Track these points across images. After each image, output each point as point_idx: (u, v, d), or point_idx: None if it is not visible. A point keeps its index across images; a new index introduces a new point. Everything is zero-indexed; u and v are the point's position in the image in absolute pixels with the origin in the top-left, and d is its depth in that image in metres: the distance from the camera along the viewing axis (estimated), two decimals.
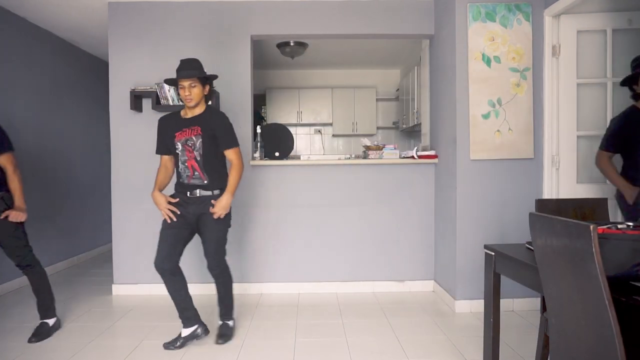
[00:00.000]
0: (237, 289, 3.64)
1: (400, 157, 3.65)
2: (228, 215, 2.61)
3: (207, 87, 2.59)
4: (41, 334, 2.72)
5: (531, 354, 2.40)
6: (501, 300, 2.16)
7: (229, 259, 3.67)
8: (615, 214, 2.93)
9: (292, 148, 3.82)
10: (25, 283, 3.93)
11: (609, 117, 3.04)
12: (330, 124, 6.85)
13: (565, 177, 3.07)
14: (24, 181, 3.96)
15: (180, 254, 2.59)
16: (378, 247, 3.72)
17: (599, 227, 1.41)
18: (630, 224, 1.94)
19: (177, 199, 2.57)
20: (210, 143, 2.54)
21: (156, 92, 3.50)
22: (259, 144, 3.64)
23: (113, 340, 2.74)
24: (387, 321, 3.00)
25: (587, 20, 3.02)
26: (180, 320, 2.64)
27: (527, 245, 1.93)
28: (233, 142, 2.60)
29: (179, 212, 2.54)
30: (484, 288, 2.09)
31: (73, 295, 3.64)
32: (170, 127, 2.59)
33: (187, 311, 2.62)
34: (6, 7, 3.75)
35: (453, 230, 3.23)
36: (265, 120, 6.70)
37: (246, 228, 3.68)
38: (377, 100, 6.82)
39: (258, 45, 5.06)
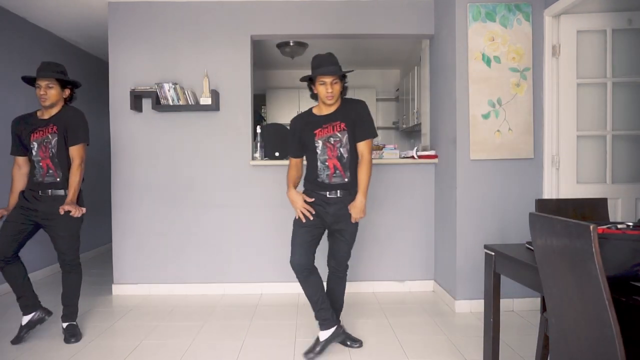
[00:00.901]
0: (237, 289, 3.66)
1: (400, 157, 3.65)
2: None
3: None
4: (77, 333, 2.72)
5: (531, 354, 2.40)
6: (501, 300, 2.16)
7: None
8: (615, 214, 2.94)
9: None
10: None
11: (609, 117, 3.05)
12: None
13: (565, 177, 3.07)
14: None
15: (314, 252, 2.50)
16: (378, 247, 3.72)
17: (599, 227, 1.41)
18: (630, 223, 1.94)
19: (313, 199, 2.45)
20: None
21: (156, 92, 3.50)
22: (259, 144, 3.65)
23: (113, 340, 2.74)
24: (387, 321, 3.00)
25: (587, 20, 3.02)
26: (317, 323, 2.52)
27: (527, 245, 1.93)
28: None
29: (314, 212, 2.42)
30: (484, 288, 2.09)
31: None
32: (308, 127, 2.46)
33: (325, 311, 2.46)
34: (6, 7, 3.75)
35: (453, 230, 3.23)
36: (265, 120, 6.69)
37: (246, 228, 3.68)
38: (377, 100, 6.81)
39: (258, 45, 5.06)
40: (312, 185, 2.47)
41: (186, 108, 3.55)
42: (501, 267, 1.98)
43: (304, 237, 2.43)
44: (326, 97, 2.36)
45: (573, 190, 3.06)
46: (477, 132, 3.11)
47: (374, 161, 3.59)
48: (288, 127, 3.86)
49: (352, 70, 2.46)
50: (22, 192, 2.70)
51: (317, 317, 2.49)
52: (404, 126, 6.19)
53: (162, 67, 3.65)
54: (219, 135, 3.66)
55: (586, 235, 1.14)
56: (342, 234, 2.48)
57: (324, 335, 2.47)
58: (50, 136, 2.63)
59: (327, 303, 2.48)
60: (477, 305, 3.12)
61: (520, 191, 3.16)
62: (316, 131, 2.42)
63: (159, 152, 3.66)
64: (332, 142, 2.40)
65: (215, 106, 3.57)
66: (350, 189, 2.44)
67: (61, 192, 2.67)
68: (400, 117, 6.46)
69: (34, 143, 2.63)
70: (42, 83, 2.58)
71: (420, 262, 3.72)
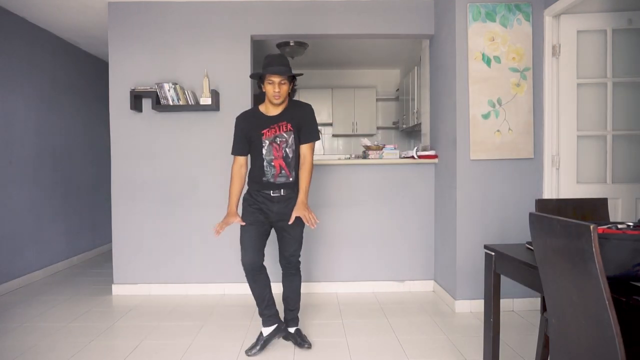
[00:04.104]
0: (237, 289, 3.66)
1: (400, 157, 3.65)
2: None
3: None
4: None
5: (531, 354, 2.40)
6: (501, 300, 2.16)
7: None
8: (615, 214, 2.94)
9: None
10: (25, 283, 3.94)
11: (609, 117, 3.05)
12: (330, 124, 6.85)
13: (565, 177, 3.07)
14: (25, 181, 3.99)
15: (263, 250, 2.61)
16: (378, 247, 3.72)
17: (599, 227, 1.41)
18: (630, 223, 1.94)
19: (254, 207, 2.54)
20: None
21: (156, 92, 3.50)
22: None
23: (113, 340, 2.74)
24: (387, 321, 3.00)
25: (587, 20, 3.02)
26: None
27: (527, 245, 1.93)
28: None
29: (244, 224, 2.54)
30: (484, 288, 2.09)
31: (73, 295, 3.64)
32: (255, 126, 2.50)
33: None
34: (6, 7, 3.75)
35: (453, 230, 3.23)
36: None
37: None
38: (377, 100, 6.82)
39: (258, 45, 5.05)
40: (257, 185, 2.51)
41: (186, 108, 3.55)
42: (501, 267, 1.98)
43: (251, 236, 2.50)
44: (273, 97, 2.40)
45: (573, 190, 3.06)
46: (477, 132, 3.11)
47: (375, 161, 3.60)
48: None
49: (301, 74, 2.52)
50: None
51: (261, 315, 2.57)
52: (404, 126, 6.20)
53: (162, 67, 3.65)
54: (219, 135, 3.65)
55: (586, 235, 1.14)
56: (287, 230, 2.51)
57: (267, 331, 2.56)
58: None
59: (271, 300, 2.59)
60: (477, 305, 3.13)
61: (520, 191, 3.16)
62: (264, 131, 2.46)
63: (159, 152, 3.66)
64: (278, 142, 2.45)
65: (215, 106, 3.57)
66: (293, 188, 2.50)
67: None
68: (400, 117, 6.47)
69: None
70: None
71: (420, 262, 3.72)
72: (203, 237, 3.67)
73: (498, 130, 3.11)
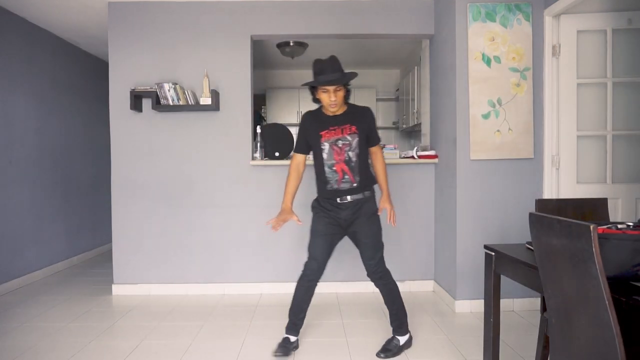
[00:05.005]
0: (237, 289, 3.66)
1: (400, 157, 3.65)
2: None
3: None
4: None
5: (531, 354, 2.40)
6: (501, 300, 2.16)
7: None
8: (615, 214, 2.94)
9: (292, 148, 3.82)
10: (25, 283, 3.94)
11: (609, 117, 3.05)
12: None
13: (565, 177, 3.07)
14: (25, 181, 3.99)
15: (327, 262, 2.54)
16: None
17: (599, 227, 1.41)
18: (630, 223, 1.94)
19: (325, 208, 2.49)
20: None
21: (156, 92, 3.50)
22: (259, 144, 3.65)
23: (113, 340, 2.74)
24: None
25: (587, 20, 3.02)
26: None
27: (527, 245, 1.93)
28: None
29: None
30: (484, 288, 2.09)
31: (73, 295, 3.64)
32: (315, 126, 2.42)
33: None
34: (6, 7, 3.75)
35: (453, 230, 3.23)
36: (265, 120, 6.69)
37: (246, 228, 3.67)
38: (377, 100, 6.81)
39: (258, 45, 5.05)
40: (323, 192, 2.43)
41: (186, 108, 3.55)
42: (501, 267, 1.98)
43: (319, 245, 2.42)
44: (329, 105, 2.31)
45: (573, 190, 3.06)
46: (477, 132, 3.11)
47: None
48: (288, 128, 3.88)
49: (355, 75, 2.37)
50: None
51: (293, 322, 2.50)
52: (404, 126, 6.19)
53: (162, 67, 3.65)
54: (219, 135, 3.66)
55: (586, 235, 1.14)
56: (360, 236, 2.42)
57: (294, 337, 2.51)
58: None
59: (305, 314, 2.50)
60: (477, 305, 3.12)
61: (520, 191, 3.16)
62: (322, 132, 2.35)
63: (159, 152, 3.66)
64: (340, 145, 2.34)
65: (215, 106, 3.57)
66: (361, 192, 2.39)
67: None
68: (400, 117, 6.46)
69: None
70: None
71: (420, 262, 3.72)
72: (203, 237, 3.67)
73: (498, 130, 3.11)
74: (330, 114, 2.39)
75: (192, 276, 3.69)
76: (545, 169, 3.12)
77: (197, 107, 3.56)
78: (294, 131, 7.49)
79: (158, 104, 3.51)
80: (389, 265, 3.71)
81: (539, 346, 1.86)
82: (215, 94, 3.58)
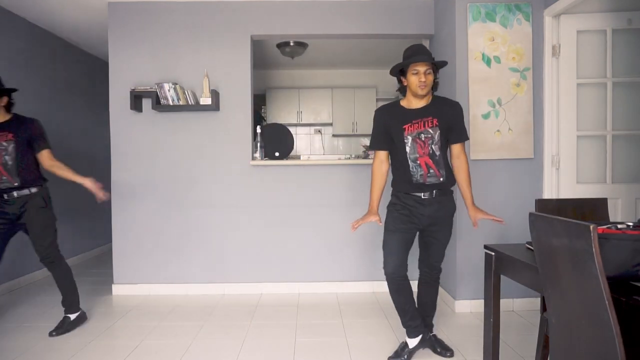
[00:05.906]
0: (237, 289, 3.66)
1: None
2: None
3: None
4: (61, 327, 2.83)
5: (531, 354, 2.40)
6: (501, 300, 2.16)
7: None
8: (615, 214, 2.94)
9: (292, 148, 3.82)
10: (24, 283, 3.94)
11: (609, 117, 3.05)
12: (330, 124, 6.84)
13: (565, 177, 3.07)
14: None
15: (407, 259, 2.38)
16: (378, 247, 3.69)
17: (599, 227, 1.41)
18: (630, 223, 1.94)
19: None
20: None
21: (156, 92, 3.50)
22: (259, 144, 3.65)
23: (113, 340, 2.74)
24: (387, 321, 2.99)
25: (587, 20, 3.02)
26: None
27: (527, 245, 1.93)
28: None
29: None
30: (484, 288, 2.09)
31: None
32: (397, 120, 2.28)
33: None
34: (6, 7, 3.75)
35: (453, 230, 3.22)
36: (265, 120, 6.69)
37: (246, 228, 3.68)
38: (377, 100, 6.81)
39: (258, 45, 5.06)
40: (405, 186, 2.30)
41: (186, 108, 3.55)
42: (501, 267, 1.98)
43: (396, 244, 2.30)
44: (418, 87, 2.19)
45: (573, 190, 3.06)
46: (477, 132, 3.11)
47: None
48: (288, 128, 3.88)
49: (446, 63, 2.30)
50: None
51: (405, 325, 2.39)
52: None
53: (162, 67, 3.65)
54: (219, 135, 3.66)
55: (586, 235, 1.14)
56: (437, 236, 2.35)
57: (413, 342, 2.40)
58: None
59: (416, 310, 2.40)
60: (477, 305, 3.13)
61: (520, 191, 3.16)
62: (405, 126, 2.26)
63: (159, 152, 3.66)
64: (423, 138, 2.24)
65: (215, 106, 3.57)
66: (445, 189, 2.30)
67: None
68: None
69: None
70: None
71: None
72: (203, 237, 3.67)
73: (498, 130, 3.11)
74: (414, 105, 2.29)
75: (192, 276, 3.69)
76: (545, 169, 3.12)
77: (197, 107, 3.56)
78: (294, 131, 7.46)
79: (158, 104, 3.51)
80: None
81: (539, 346, 1.86)
82: (215, 94, 3.58)
